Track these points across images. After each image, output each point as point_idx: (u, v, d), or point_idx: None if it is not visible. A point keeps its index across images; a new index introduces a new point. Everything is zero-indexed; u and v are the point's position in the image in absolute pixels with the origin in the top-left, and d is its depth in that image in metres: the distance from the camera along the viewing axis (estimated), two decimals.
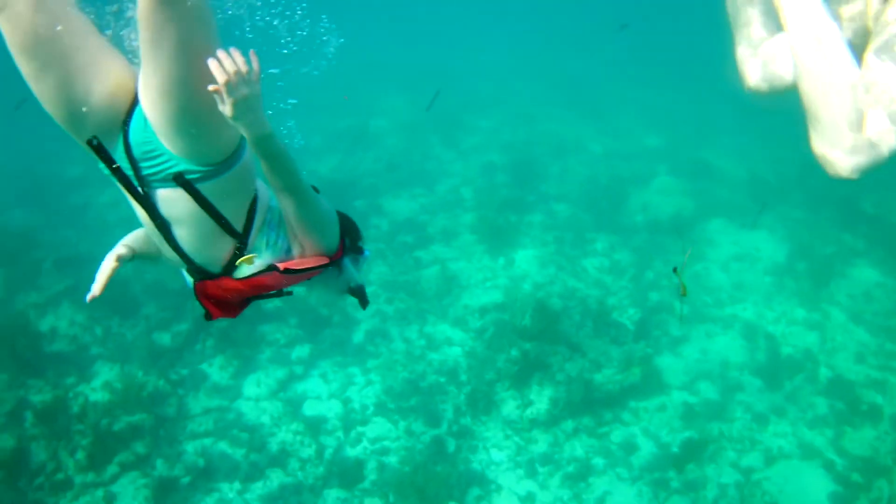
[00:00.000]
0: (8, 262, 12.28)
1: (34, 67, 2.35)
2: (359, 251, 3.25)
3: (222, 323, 10.34)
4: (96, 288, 2.79)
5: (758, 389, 10.62)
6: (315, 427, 9.05)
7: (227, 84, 2.24)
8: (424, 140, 19.20)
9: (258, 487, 8.09)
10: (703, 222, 14.86)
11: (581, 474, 8.79)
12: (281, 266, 2.78)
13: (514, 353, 9.89)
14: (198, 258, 2.80)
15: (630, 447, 9.31)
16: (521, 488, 8.60)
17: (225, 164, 2.58)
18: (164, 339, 10.01)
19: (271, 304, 10.68)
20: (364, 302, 3.27)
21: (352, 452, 8.80)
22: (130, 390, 8.60)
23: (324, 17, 2.99)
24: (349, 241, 3.17)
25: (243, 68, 2.27)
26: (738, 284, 13.01)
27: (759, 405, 10.29)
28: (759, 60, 3.14)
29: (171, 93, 2.31)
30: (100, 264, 2.83)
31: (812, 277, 12.96)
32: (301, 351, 10.38)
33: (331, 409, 9.47)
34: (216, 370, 9.75)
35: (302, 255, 2.92)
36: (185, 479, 7.92)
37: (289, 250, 2.92)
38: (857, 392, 10.50)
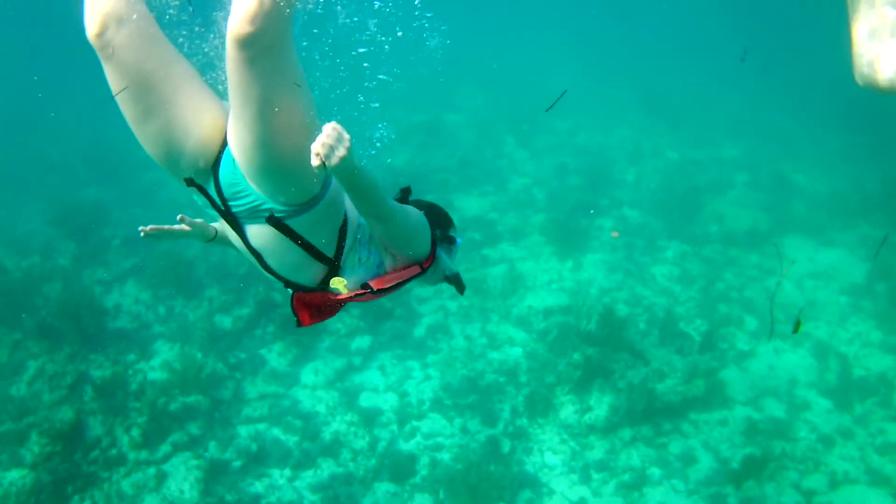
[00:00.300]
0: (79, 238, 12.84)
1: (138, 112, 2.44)
2: (451, 241, 3.29)
3: (285, 309, 10.64)
4: (151, 227, 2.85)
5: (825, 410, 10.40)
6: (370, 419, 9.25)
7: (327, 157, 2.22)
8: (498, 138, 19.30)
9: (308, 476, 8.33)
10: (779, 237, 14.54)
11: (636, 484, 8.78)
12: (374, 286, 2.84)
13: (577, 357, 9.90)
14: (292, 278, 2.87)
15: (688, 459, 9.24)
16: (574, 494, 8.63)
17: (312, 201, 2.62)
18: (226, 322, 10.35)
19: None
20: (461, 287, 3.28)
21: (405, 446, 8.97)
22: (189, 371, 8.91)
23: (429, 14, 3.06)
24: (440, 232, 3.21)
25: (345, 143, 2.25)
26: (812, 302, 12.71)
27: (826, 426, 10.07)
28: None
29: (258, 148, 2.38)
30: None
31: (892, 299, 12.56)
32: (361, 342, 10.60)
33: (387, 402, 9.65)
34: (275, 356, 10.04)
35: (394, 267, 2.98)
36: (237, 463, 8.20)
37: (381, 264, 2.98)
38: None
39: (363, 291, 2.84)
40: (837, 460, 9.50)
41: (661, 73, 25.72)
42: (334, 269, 2.85)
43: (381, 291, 2.86)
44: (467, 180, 16.45)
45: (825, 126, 20.62)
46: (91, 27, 2.34)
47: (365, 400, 9.70)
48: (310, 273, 2.84)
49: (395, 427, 9.26)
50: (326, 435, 8.85)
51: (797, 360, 11.25)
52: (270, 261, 2.78)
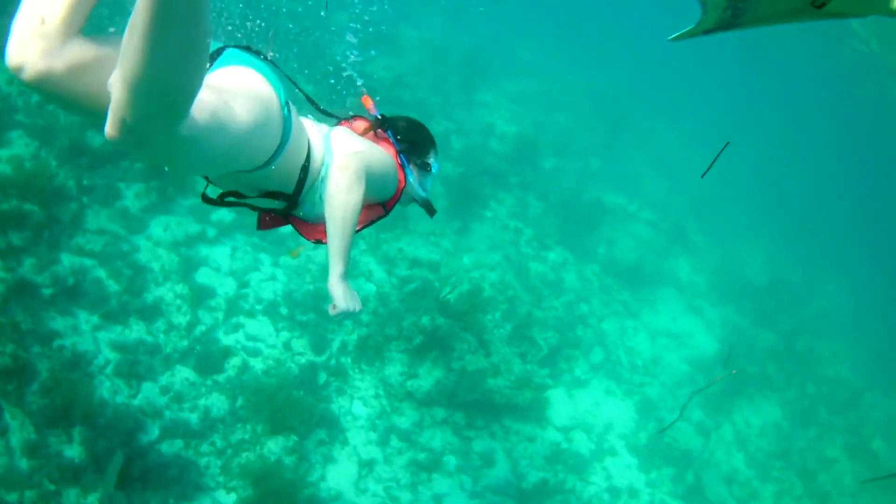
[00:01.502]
0: None
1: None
2: (427, 168, 3.36)
3: None
4: None
5: (625, 465, 10.74)
6: (199, 297, 8.65)
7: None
8: (442, 75, 18.52)
9: (115, 331, 7.69)
10: (656, 285, 14.86)
11: (429, 466, 8.71)
12: (324, 240, 2.94)
13: (425, 321, 9.67)
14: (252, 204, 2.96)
15: (487, 461, 9.27)
16: (366, 452, 8.47)
17: (266, 163, 2.61)
18: (96, 140, 9.32)
19: None
20: (431, 211, 3.39)
21: (223, 340, 8.47)
22: (37, 177, 7.89)
23: None
24: (418, 158, 3.32)
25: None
26: (657, 360, 13.09)
27: (620, 480, 10.42)
28: None
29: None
30: None
31: (725, 389, 13.12)
32: (224, 215, 9.88)
33: (223, 286, 9.06)
34: (131, 195, 9.17)
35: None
36: (47, 291, 7.39)
37: None
38: None
39: (325, 239, 2.91)
40: None
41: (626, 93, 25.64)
42: (292, 204, 2.92)
43: None
44: (391, 102, 15.76)
45: (747, 201, 21.33)
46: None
47: (203, 276, 9.05)
48: (268, 203, 2.93)
49: (221, 315, 8.70)
50: (149, 297, 8.18)
51: (621, 409, 11.56)
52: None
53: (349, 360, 9.35)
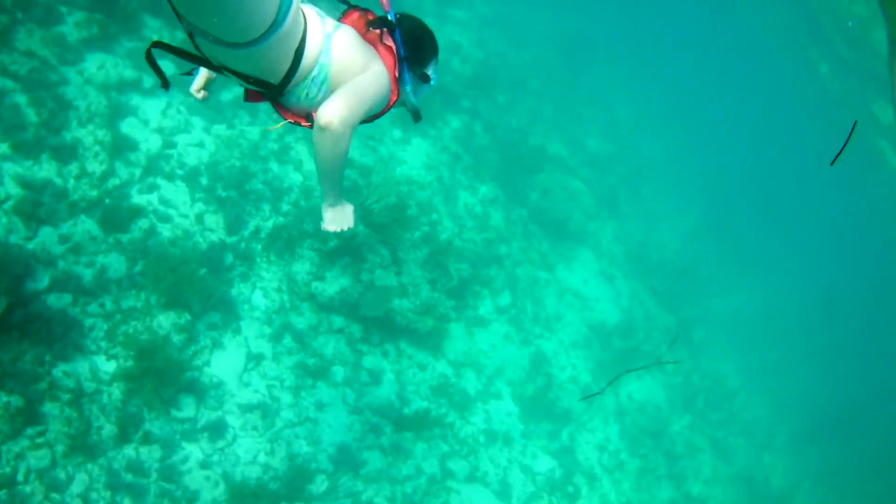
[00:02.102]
0: None
1: None
2: (426, 79, 3.30)
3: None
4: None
5: (507, 413, 10.90)
6: (119, 148, 8.12)
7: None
8: None
9: (24, 165, 7.14)
10: (576, 243, 14.95)
11: (316, 372, 8.61)
12: (303, 124, 3.07)
13: None
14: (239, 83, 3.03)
15: (374, 378, 9.25)
16: (256, 346, 8.27)
17: (252, 42, 2.68)
18: None
19: None
20: (417, 118, 3.44)
21: (135, 198, 8.02)
22: None
23: None
24: (417, 68, 3.25)
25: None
26: (559, 316, 13.24)
27: (499, 425, 10.58)
28: None
29: None
30: None
31: (618, 359, 13.44)
32: (165, 67, 9.22)
33: (148, 142, 8.54)
34: (71, 23, 8.45)
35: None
36: None
37: (324, 99, 2.97)
38: (575, 473, 11.07)
39: (306, 124, 3.02)
40: (486, 459, 10.04)
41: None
42: (276, 93, 2.97)
43: None
44: None
45: (684, 183, 21.60)
46: None
47: (128, 126, 8.48)
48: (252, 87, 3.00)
49: (138, 172, 8.21)
50: (68, 136, 7.61)
51: (515, 356, 11.68)
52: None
53: (259, 246, 9.05)
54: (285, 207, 9.62)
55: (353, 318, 9.36)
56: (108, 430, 6.60)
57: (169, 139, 8.87)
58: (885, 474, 18.83)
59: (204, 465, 7.16)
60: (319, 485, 7.89)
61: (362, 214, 9.81)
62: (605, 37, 24.47)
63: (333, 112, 2.80)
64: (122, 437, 6.67)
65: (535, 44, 20.31)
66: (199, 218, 8.58)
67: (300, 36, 2.84)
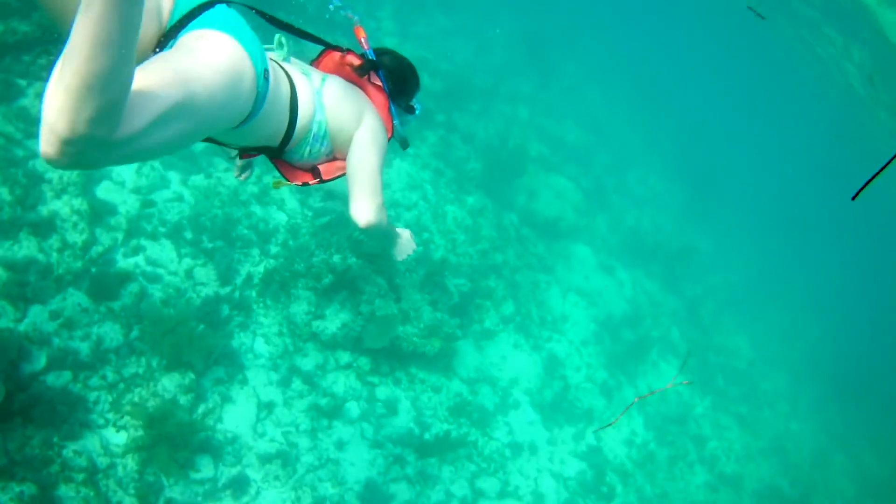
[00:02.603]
0: None
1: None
2: (411, 111, 3.47)
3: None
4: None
5: (528, 422, 10.80)
6: (99, 214, 8.02)
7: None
8: (377, 2, 17.76)
9: (4, 246, 7.03)
10: (571, 240, 14.92)
11: (330, 412, 8.49)
12: (323, 175, 3.12)
13: (336, 259, 9.35)
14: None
15: (390, 410, 9.14)
16: (265, 394, 8.16)
17: (243, 122, 2.63)
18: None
19: None
20: (405, 145, 3.51)
21: (121, 263, 7.91)
22: None
23: None
24: (403, 101, 3.42)
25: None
26: (566, 317, 13.18)
27: (522, 436, 10.49)
28: None
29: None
30: None
31: (630, 350, 13.38)
32: None
33: (126, 204, 8.45)
34: (31, 94, 8.30)
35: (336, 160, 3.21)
36: None
37: (330, 154, 3.15)
38: (607, 472, 10.95)
39: (313, 181, 3.09)
40: (515, 473, 9.92)
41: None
42: (278, 153, 3.00)
43: (329, 180, 3.13)
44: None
45: (667, 165, 21.59)
46: None
47: (104, 191, 8.38)
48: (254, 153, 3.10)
49: (120, 236, 8.10)
50: (43, 209, 7.50)
51: (528, 364, 11.60)
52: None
53: (254, 293, 8.95)
54: (274, 249, 9.54)
55: (359, 351, 9.27)
56: (129, 503, 6.48)
57: (147, 198, 8.78)
58: None
59: None
60: None
61: (352, 245, 9.74)
62: (567, 30, 24.54)
63: (363, 213, 2.99)
64: None
65: (499, 48, 20.34)
66: (189, 273, 8.48)
67: (288, 101, 2.84)
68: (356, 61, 3.23)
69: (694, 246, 18.25)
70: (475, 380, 10.63)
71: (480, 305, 11.75)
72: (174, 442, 6.92)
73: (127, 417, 6.89)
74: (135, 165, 9.01)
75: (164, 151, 2.11)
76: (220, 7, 2.51)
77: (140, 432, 6.77)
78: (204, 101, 2.16)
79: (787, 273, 22.17)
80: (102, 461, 6.58)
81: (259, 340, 8.64)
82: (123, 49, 1.68)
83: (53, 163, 1.74)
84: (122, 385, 7.11)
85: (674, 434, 12.85)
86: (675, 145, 23.33)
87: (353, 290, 9.45)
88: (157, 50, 2.46)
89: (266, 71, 2.57)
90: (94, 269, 7.57)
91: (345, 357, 9.14)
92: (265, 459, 7.65)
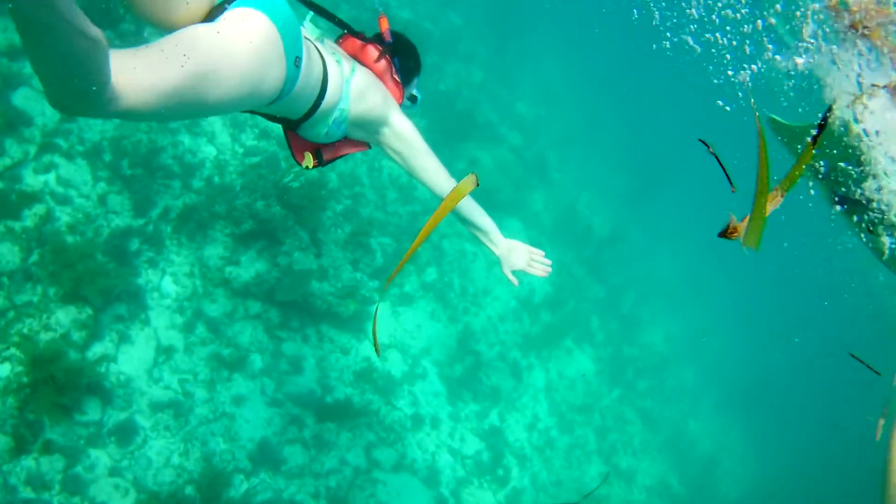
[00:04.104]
0: None
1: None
2: (413, 100, 3.69)
3: None
4: None
5: (434, 393, 10.84)
6: (11, 123, 7.56)
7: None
8: None
9: None
10: (505, 214, 14.90)
11: (232, 364, 8.34)
12: (325, 156, 3.34)
13: (259, 205, 9.10)
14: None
15: (294, 367, 9.03)
16: (166, 337, 7.95)
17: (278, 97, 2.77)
18: None
19: None
20: (413, 100, 3.77)
21: (30, 180, 7.51)
22: None
23: None
24: (406, 91, 3.62)
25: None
26: (488, 291, 13.20)
27: (426, 408, 10.52)
28: None
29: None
30: None
31: (547, 332, 13.52)
32: None
33: (44, 116, 7.96)
34: None
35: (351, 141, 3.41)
36: None
37: (340, 139, 3.32)
38: (505, 453, 11.12)
39: (314, 164, 3.30)
40: (414, 445, 9.96)
41: None
42: (294, 126, 3.14)
43: (328, 162, 3.38)
44: None
45: (610, 147, 21.68)
46: None
47: (21, 98, 7.85)
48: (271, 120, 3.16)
49: (32, 150, 7.65)
50: None
51: (443, 335, 11.61)
52: None
53: (169, 228, 8.64)
54: (197, 184, 9.21)
55: (271, 303, 9.09)
56: (3, 441, 6.25)
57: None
58: (801, 437, 19.69)
59: (112, 472, 6.87)
60: (238, 486, 7.69)
61: (281, 191, 9.48)
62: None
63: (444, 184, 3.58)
64: (20, 449, 6.33)
65: (464, 6, 19.97)
66: (102, 199, 8.12)
67: (319, 84, 2.98)
68: (375, 53, 3.43)
69: (625, 234, 18.49)
70: (386, 346, 10.59)
71: (403, 269, 11.64)
72: (61, 380, 6.68)
73: (13, 349, 6.63)
74: None
75: (173, 118, 2.53)
76: None
77: (25, 367, 6.51)
78: (216, 87, 2.34)
79: (710, 274, 22.71)
80: None
81: (167, 279, 8.38)
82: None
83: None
84: (11, 313, 6.83)
85: (577, 423, 13.11)
86: (623, 132, 23.44)
87: (273, 240, 9.23)
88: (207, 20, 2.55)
89: (298, 59, 2.71)
90: None
91: (255, 307, 8.95)
92: (157, 407, 7.48)
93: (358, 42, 3.45)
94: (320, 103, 3.02)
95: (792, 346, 22.33)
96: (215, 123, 10.05)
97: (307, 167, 3.29)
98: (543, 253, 3.69)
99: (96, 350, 7.25)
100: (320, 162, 3.32)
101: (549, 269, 3.62)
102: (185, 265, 8.63)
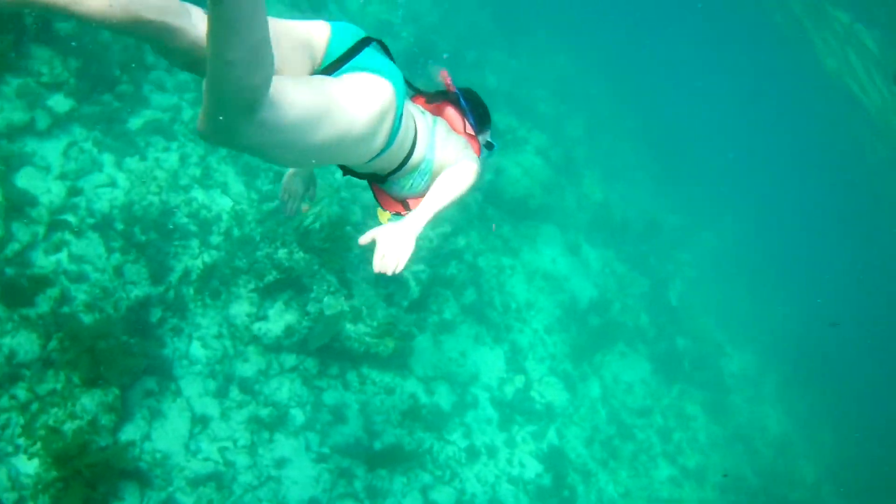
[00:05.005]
0: None
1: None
2: (490, 147, 3.61)
3: None
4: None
5: (486, 420, 10.39)
6: (16, 206, 7.27)
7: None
8: None
9: None
10: (539, 220, 14.38)
11: (272, 424, 7.97)
12: (412, 206, 3.26)
13: (282, 254, 8.71)
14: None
15: (338, 417, 8.63)
16: (201, 405, 7.60)
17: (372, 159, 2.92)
18: None
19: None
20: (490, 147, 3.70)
21: (42, 262, 7.21)
22: None
23: None
24: (483, 139, 3.58)
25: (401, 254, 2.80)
26: (531, 304, 12.73)
27: (480, 438, 10.08)
28: None
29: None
30: None
31: (595, 338, 12.99)
32: (61, 102, 8.27)
33: (49, 193, 7.68)
34: None
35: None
36: None
37: (424, 191, 3.27)
38: (568, 472, 10.63)
39: (405, 212, 3.26)
40: (472, 479, 9.54)
41: None
42: (382, 181, 3.23)
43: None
44: None
45: (638, 137, 21.07)
46: None
47: (24, 179, 7.59)
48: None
49: (41, 230, 7.36)
50: None
51: (489, 357, 11.20)
52: None
53: (192, 290, 8.30)
54: (216, 240, 8.88)
55: (306, 353, 8.72)
56: None
57: (74, 184, 8.03)
58: (869, 409, 18.87)
59: None
60: None
61: (303, 236, 9.09)
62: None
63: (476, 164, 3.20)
64: None
65: (466, 12, 19.50)
66: (118, 271, 7.79)
67: (410, 141, 3.07)
68: (447, 106, 3.55)
69: (664, 221, 17.87)
70: (432, 378, 10.15)
71: (439, 294, 11.21)
72: (94, 470, 6.34)
73: (40, 444, 6.30)
74: (62, 146, 8.25)
75: (296, 157, 2.57)
76: (374, 48, 2.90)
77: (52, 463, 6.18)
78: (348, 122, 2.54)
79: (758, 251, 21.94)
80: (9, 497, 6.00)
81: (195, 344, 8.03)
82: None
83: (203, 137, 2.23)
84: (35, 405, 6.51)
85: (639, 427, 12.55)
86: (649, 117, 22.78)
87: (300, 287, 8.85)
88: None
89: (401, 115, 2.87)
90: (9, 271, 6.89)
91: (290, 360, 8.58)
92: (198, 481, 7.13)
93: (435, 105, 3.54)
94: (410, 156, 3.11)
95: (849, 314, 21.46)
96: (227, 174, 9.71)
97: (382, 220, 3.28)
98: (406, 261, 2.92)
99: (128, 431, 6.91)
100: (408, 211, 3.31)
101: (390, 268, 2.84)
102: (213, 327, 8.28)
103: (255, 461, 7.65)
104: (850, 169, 23.39)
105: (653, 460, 12.38)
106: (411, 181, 3.21)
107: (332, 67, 2.76)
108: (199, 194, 9.18)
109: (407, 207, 3.30)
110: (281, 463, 7.81)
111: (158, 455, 7.04)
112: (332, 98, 2.47)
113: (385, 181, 3.21)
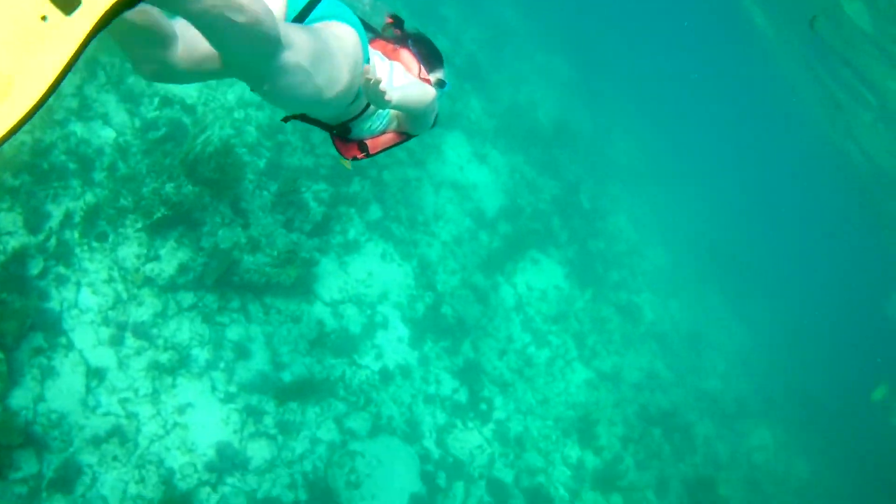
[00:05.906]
0: None
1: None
2: (442, 85, 3.74)
3: None
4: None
5: (398, 340, 10.48)
6: None
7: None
8: None
9: None
10: (445, 128, 14.26)
11: (173, 367, 7.85)
12: (370, 149, 3.50)
13: (169, 188, 8.40)
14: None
15: (242, 352, 8.56)
16: (95, 357, 7.41)
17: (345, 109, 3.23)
18: None
19: None
20: (434, 124, 3.79)
21: None
22: None
23: None
24: (434, 77, 3.72)
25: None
26: (439, 215, 12.72)
27: (393, 359, 10.17)
28: None
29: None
30: None
31: (509, 245, 13.14)
32: None
33: None
34: None
35: (393, 131, 3.62)
36: None
37: (385, 131, 3.56)
38: (484, 384, 10.92)
39: (361, 156, 3.48)
40: (388, 402, 9.67)
41: None
42: (343, 129, 3.40)
43: (375, 154, 3.55)
44: None
45: (545, 40, 20.80)
46: None
47: None
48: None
49: None
50: None
51: (398, 274, 11.17)
52: None
53: (76, 234, 7.94)
54: (98, 177, 8.47)
55: (203, 288, 8.53)
56: None
57: None
58: (780, 301, 19.76)
59: None
60: (206, 500, 7.33)
61: (189, 167, 8.74)
62: None
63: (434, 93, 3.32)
64: None
65: None
66: None
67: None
68: (398, 47, 3.65)
69: (575, 126, 17.93)
70: (339, 301, 10.12)
71: (343, 213, 11.07)
72: None
73: None
74: None
75: (303, 93, 2.78)
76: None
77: None
78: (344, 56, 2.88)
79: (669, 150, 22.30)
80: None
81: (84, 292, 7.76)
82: None
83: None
84: None
85: (554, 333, 12.87)
86: (560, 19, 22.51)
87: (191, 223, 8.60)
88: None
89: (368, 59, 3.15)
90: None
91: (187, 299, 8.39)
92: (100, 439, 7.02)
93: (390, 46, 3.67)
94: (367, 107, 3.29)
95: (758, 207, 22.22)
96: (108, 103, 9.20)
97: (347, 166, 3.58)
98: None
99: (18, 396, 6.70)
100: (367, 153, 3.50)
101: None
102: (102, 271, 7.99)
103: (158, 410, 7.55)
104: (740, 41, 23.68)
105: (569, 365, 12.77)
106: (370, 123, 3.42)
107: (297, 20, 2.95)
108: (77, 128, 8.69)
109: (364, 149, 3.50)
110: (186, 408, 7.74)
111: (54, 416, 6.87)
112: (323, 39, 2.79)
113: (348, 127, 3.38)
